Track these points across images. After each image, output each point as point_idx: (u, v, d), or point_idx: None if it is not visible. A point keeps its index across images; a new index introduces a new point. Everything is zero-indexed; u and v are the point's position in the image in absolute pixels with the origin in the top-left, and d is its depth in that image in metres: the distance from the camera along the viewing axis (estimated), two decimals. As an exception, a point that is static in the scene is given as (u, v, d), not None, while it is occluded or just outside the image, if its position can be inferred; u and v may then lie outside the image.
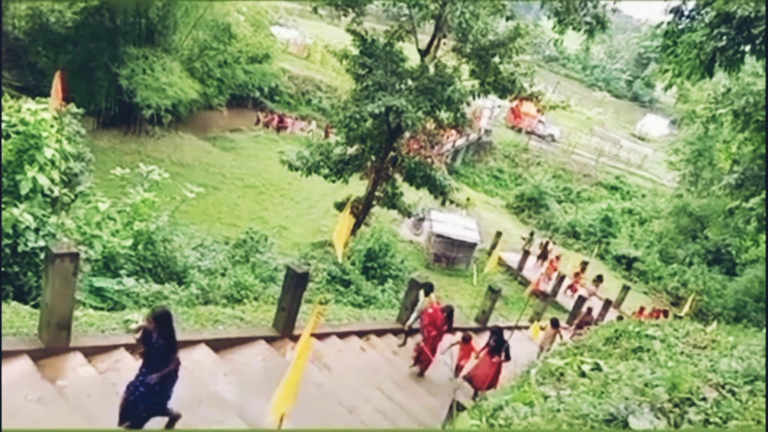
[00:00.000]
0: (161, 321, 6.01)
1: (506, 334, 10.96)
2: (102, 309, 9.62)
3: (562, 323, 17.39)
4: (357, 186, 24.83)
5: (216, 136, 40.03)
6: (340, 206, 23.14)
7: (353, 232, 21.84)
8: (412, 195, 27.12)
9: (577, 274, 27.32)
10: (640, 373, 3.93)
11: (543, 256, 31.25)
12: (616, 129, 67.31)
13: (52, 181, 11.04)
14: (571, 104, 68.05)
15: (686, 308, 25.43)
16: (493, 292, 15.47)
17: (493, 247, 29.66)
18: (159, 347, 6.01)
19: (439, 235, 28.70)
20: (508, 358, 10.54)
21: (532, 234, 34.15)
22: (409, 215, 25.31)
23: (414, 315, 11.91)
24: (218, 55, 36.43)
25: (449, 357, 11.37)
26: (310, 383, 9.08)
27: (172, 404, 6.57)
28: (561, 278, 26.21)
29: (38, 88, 30.77)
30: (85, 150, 16.05)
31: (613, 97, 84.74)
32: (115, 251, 11.44)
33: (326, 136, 35.30)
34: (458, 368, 11.36)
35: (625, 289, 27.00)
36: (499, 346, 10.61)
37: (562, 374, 4.88)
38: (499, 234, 31.10)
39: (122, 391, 7.05)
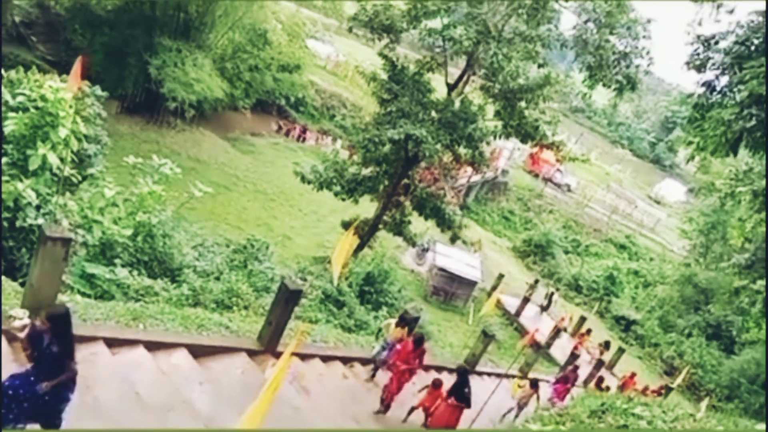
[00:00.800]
0: (56, 323, 5.23)
1: (492, 382, 10.67)
2: (89, 296, 9.52)
3: (550, 378, 17.13)
4: (367, 207, 24.73)
5: (236, 138, 40.19)
6: (346, 225, 23.03)
7: (355, 253, 21.73)
8: (420, 225, 27.01)
9: (581, 335, 26.87)
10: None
11: (547, 307, 30.93)
12: (633, 188, 67.05)
13: (63, 160, 11.03)
14: (592, 158, 68.24)
15: (679, 380, 25.03)
16: (486, 336, 15.18)
17: (494, 288, 29.34)
18: (52, 353, 5.24)
19: (441, 269, 28.48)
20: (468, 404, 9.82)
21: (536, 282, 33.85)
22: (414, 244, 25.16)
23: (379, 347, 11.10)
24: (250, 59, 36.68)
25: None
26: (288, 405, 8.91)
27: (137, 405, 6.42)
28: (556, 331, 25.81)
29: (70, 65, 30.97)
30: (102, 133, 16.04)
31: (635, 157, 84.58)
32: (113, 239, 11.37)
33: (350, 156, 35.39)
34: (413, 410, 10.40)
35: (620, 351, 26.53)
36: (460, 388, 9.84)
37: (540, 441, 4.69)
38: (501, 276, 30.82)
39: (93, 386, 6.92)
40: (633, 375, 21.21)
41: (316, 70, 50.10)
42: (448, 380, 10.58)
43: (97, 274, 10.12)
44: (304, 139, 43.57)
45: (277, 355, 9.87)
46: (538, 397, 13.39)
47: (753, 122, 7.63)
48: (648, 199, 64.40)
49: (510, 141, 35.11)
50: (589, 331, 27.10)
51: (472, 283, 29.04)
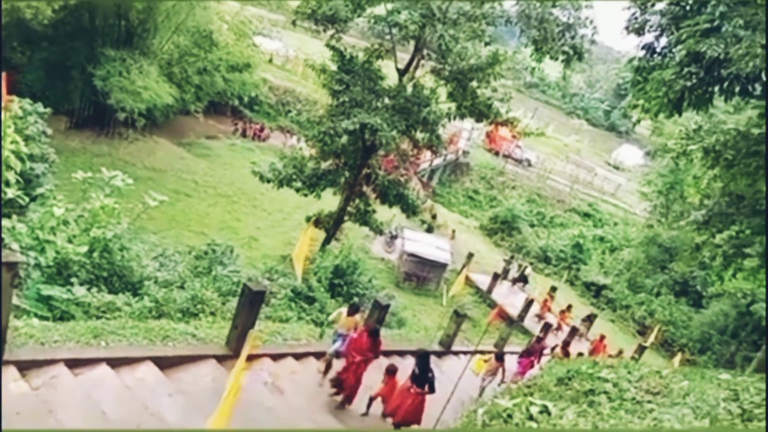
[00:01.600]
0: None
1: (468, 361, 10.64)
2: (47, 319, 9.24)
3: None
4: (331, 201, 24.59)
5: (191, 142, 39.58)
6: (314, 221, 22.88)
7: (322, 247, 21.63)
8: (387, 213, 26.99)
9: (545, 301, 27.33)
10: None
11: (521, 279, 31.34)
12: (592, 157, 68.18)
13: (7, 182, 10.67)
14: (549, 131, 69.14)
15: (652, 338, 25.61)
16: (458, 316, 15.27)
17: (463, 268, 29.71)
18: None
19: (410, 254, 28.56)
20: (432, 389, 9.37)
21: (512, 257, 34.30)
22: (380, 232, 25.13)
23: (334, 339, 10.52)
24: (198, 62, 36.06)
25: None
26: (261, 407, 8.81)
27: (105, 424, 6.26)
28: (528, 303, 26.14)
29: (11, 83, 30.18)
30: (49, 151, 15.61)
31: (591, 126, 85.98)
32: (68, 258, 11.05)
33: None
34: (372, 400, 9.89)
35: (592, 316, 27.02)
36: (422, 375, 9.36)
37: (509, 416, 4.70)
38: (470, 255, 31.09)
39: (56, 410, 6.72)
40: (602, 338, 21.47)
41: (267, 68, 49.57)
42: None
43: (53, 295, 9.81)
44: (260, 138, 43.12)
45: (247, 358, 9.76)
46: (503, 370, 13.21)
47: (693, 81, 7.76)
48: (607, 166, 65.57)
49: (468, 122, 35.42)
50: (569, 307, 27.45)
51: (442, 266, 29.20)
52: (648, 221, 38.52)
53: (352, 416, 9.91)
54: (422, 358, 9.55)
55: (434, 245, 29.76)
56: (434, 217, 37.12)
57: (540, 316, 25.90)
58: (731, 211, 14.42)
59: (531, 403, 4.79)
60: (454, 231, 36.45)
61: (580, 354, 16.65)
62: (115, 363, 7.83)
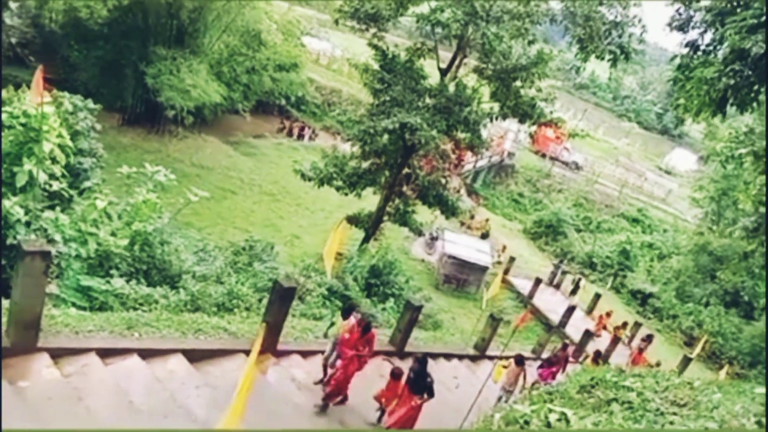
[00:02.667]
0: None
1: (487, 365, 10.27)
2: (85, 309, 9.51)
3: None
4: (373, 200, 24.59)
5: (239, 141, 40.25)
6: (351, 219, 22.95)
7: (360, 246, 21.66)
8: (428, 214, 26.87)
9: (600, 318, 26.45)
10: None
11: (574, 291, 30.62)
12: (643, 161, 66.32)
13: (52, 175, 11.02)
14: (599, 133, 67.61)
15: (698, 349, 24.70)
16: (494, 320, 15.09)
17: (506, 272, 29.33)
18: None
19: (450, 256, 28.34)
20: (431, 395, 8.96)
21: (560, 263, 33.50)
22: (420, 233, 25.01)
23: (330, 346, 9.91)
24: (246, 61, 36.65)
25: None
26: (289, 403, 8.88)
27: (132, 413, 6.39)
28: (571, 309, 25.54)
29: (69, 81, 31.34)
30: (97, 146, 16.05)
31: (643, 129, 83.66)
32: (110, 250, 11.35)
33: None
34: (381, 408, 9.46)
35: (637, 325, 26.22)
36: (420, 381, 8.87)
37: (526, 422, 4.57)
38: (512, 259, 30.69)
39: (85, 397, 6.89)
40: (641, 350, 20.71)
41: (314, 68, 50.02)
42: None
43: (92, 286, 10.09)
44: (302, 137, 43.57)
45: (278, 355, 9.85)
46: (524, 375, 12.28)
47: (737, 79, 7.39)
48: (658, 171, 63.66)
49: (514, 123, 34.94)
50: (625, 324, 26.53)
51: (483, 269, 28.86)
52: (698, 228, 37.15)
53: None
54: (420, 362, 9.04)
55: (475, 248, 29.45)
56: (472, 217, 36.57)
57: (595, 334, 24.64)
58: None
59: (550, 410, 4.65)
60: (487, 220, 35.74)
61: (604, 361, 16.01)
62: (146, 354, 8.00)
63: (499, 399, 12.09)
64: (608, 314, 26.62)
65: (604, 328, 25.59)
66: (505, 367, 12.44)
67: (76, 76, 32.23)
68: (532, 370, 13.58)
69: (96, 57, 32.45)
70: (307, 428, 8.58)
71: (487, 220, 36.12)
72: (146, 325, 8.73)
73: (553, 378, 12.71)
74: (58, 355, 7.15)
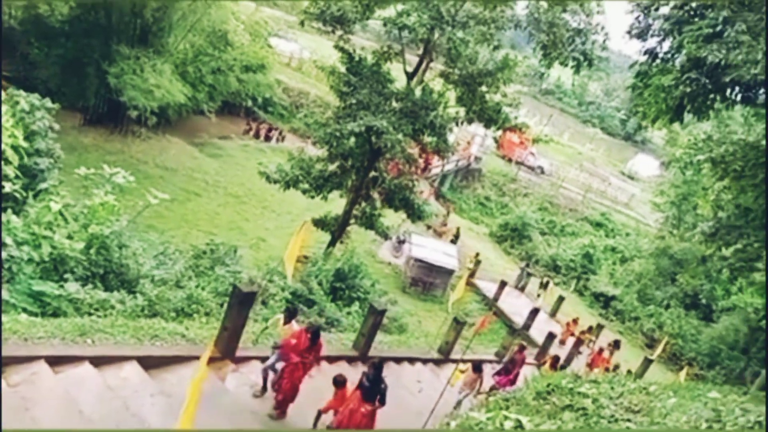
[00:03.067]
0: None
1: (450, 369, 10.22)
2: (37, 315, 9.21)
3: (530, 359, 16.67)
4: (341, 204, 24.46)
5: (204, 142, 39.70)
6: (317, 222, 22.79)
7: (326, 250, 21.52)
8: (395, 217, 26.84)
9: (567, 325, 26.63)
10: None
11: (544, 287, 30.80)
12: (607, 166, 67.54)
13: (4, 176, 10.68)
14: (564, 139, 68.49)
15: (658, 351, 25.16)
16: (458, 323, 15.11)
17: (471, 275, 29.48)
18: None
19: (417, 259, 28.36)
20: (383, 402, 8.59)
21: (526, 265, 33.76)
22: (386, 237, 24.97)
23: (272, 351, 9.36)
24: (212, 62, 36.19)
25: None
26: (247, 411, 8.72)
27: (82, 423, 6.18)
28: (534, 311, 25.75)
29: (29, 79, 30.51)
30: (54, 146, 15.65)
31: (607, 135, 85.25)
32: (65, 254, 11.03)
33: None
34: (320, 414, 8.99)
35: (599, 327, 26.59)
36: (374, 388, 8.52)
37: (482, 430, 4.54)
38: (478, 262, 30.86)
39: (33, 407, 6.65)
40: (601, 350, 20.87)
41: (281, 69, 49.67)
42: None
43: (45, 291, 9.78)
44: (269, 139, 43.23)
45: (237, 361, 9.68)
46: (481, 382, 12.18)
47: (693, 87, 7.53)
48: (621, 176, 64.91)
49: (480, 127, 35.18)
50: (590, 329, 26.78)
51: (449, 272, 28.96)
52: (660, 232, 37.96)
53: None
54: (376, 367, 8.66)
55: (441, 251, 29.54)
56: (444, 224, 36.81)
57: (562, 341, 24.73)
58: (740, 223, 14.09)
59: (506, 417, 4.63)
60: (458, 229, 35.91)
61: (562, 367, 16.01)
62: (99, 362, 7.77)
63: (458, 403, 12.00)
64: (575, 321, 26.82)
65: (572, 335, 25.71)
66: (462, 371, 12.27)
67: (36, 75, 31.37)
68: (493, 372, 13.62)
69: (57, 55, 31.65)
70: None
71: (458, 228, 36.29)
72: (100, 331, 8.49)
73: (512, 384, 12.67)
74: (4, 363, 6.88)
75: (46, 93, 19.09)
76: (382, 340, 14.25)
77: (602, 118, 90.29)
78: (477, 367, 12.29)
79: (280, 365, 9.02)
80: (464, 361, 12.67)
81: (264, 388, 9.31)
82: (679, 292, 33.31)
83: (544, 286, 31.07)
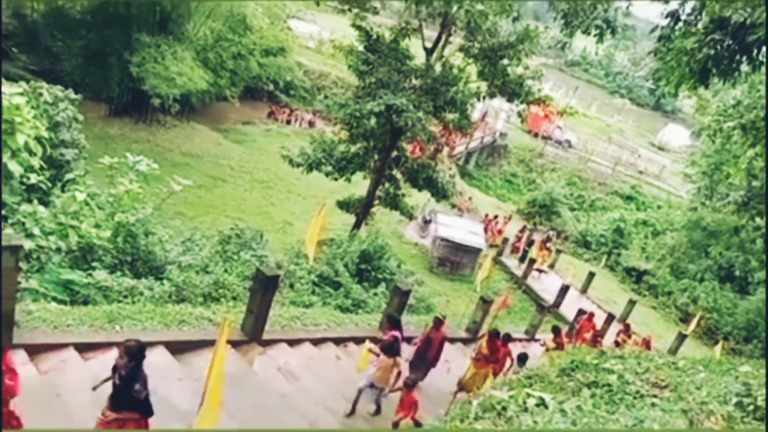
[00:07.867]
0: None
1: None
2: (66, 303, 9.37)
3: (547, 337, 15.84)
4: (365, 184, 24.39)
5: (228, 128, 39.95)
6: (342, 204, 22.79)
7: (351, 231, 21.51)
8: (421, 196, 26.66)
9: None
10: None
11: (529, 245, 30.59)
12: (636, 138, 66.07)
13: (29, 168, 10.83)
14: (592, 111, 67.15)
15: (692, 326, 24.69)
16: (485, 302, 15.00)
17: (500, 254, 29.26)
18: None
19: (443, 239, 28.22)
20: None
21: (523, 229, 33.10)
22: (411, 217, 24.84)
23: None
24: (232, 47, 36.18)
25: None
26: (274, 393, 8.77)
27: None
28: (565, 289, 25.47)
29: (53, 72, 30.94)
30: (79, 137, 15.81)
31: (635, 105, 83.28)
32: (92, 242, 11.19)
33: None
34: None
35: (631, 303, 26.14)
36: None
37: (504, 408, 4.46)
38: (505, 240, 30.60)
39: (63, 393, 6.76)
40: (592, 315, 19.23)
41: (302, 51, 49.52)
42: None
43: (74, 279, 9.94)
44: (289, 122, 43.33)
45: (264, 344, 9.74)
46: (400, 370, 8.98)
47: (717, 49, 7.22)
48: (652, 147, 63.44)
49: (505, 102, 34.60)
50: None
51: (476, 251, 28.74)
52: (692, 204, 37.00)
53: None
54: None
55: (468, 230, 29.32)
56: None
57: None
58: (772, 192, 13.65)
59: (528, 395, 4.55)
60: (470, 198, 35.40)
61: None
62: (127, 347, 7.84)
63: (358, 397, 9.95)
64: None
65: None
66: (371, 351, 9.32)
67: (60, 67, 31.77)
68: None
69: (79, 46, 31.98)
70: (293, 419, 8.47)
71: (470, 198, 35.77)
72: (128, 317, 8.61)
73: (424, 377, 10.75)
74: (34, 351, 7.02)
75: (71, 85, 19.32)
76: (409, 321, 14.21)
77: (630, 89, 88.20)
78: (390, 347, 8.94)
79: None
80: (373, 339, 9.89)
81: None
82: (713, 265, 32.52)
83: (545, 244, 30.35)
